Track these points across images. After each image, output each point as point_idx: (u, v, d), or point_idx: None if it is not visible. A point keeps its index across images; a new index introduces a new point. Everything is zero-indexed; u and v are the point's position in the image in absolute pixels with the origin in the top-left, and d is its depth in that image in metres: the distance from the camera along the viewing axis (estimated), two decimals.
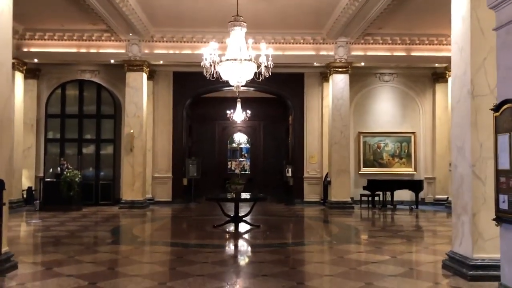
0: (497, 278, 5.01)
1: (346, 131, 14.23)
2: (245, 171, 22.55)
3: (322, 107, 15.64)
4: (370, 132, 15.84)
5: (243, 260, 7.38)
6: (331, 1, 11.44)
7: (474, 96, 5.68)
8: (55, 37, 13.88)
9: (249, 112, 17.71)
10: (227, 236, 9.52)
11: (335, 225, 11.23)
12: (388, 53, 14.24)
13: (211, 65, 8.75)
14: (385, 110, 15.97)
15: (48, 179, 13.96)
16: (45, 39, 13.91)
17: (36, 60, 14.34)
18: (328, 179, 14.54)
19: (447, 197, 14.64)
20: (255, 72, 8.88)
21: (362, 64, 14.59)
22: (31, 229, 10.51)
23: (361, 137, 15.79)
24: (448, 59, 13.25)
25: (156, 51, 14.23)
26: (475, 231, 5.59)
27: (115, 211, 13.17)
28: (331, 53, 14.25)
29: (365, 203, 14.65)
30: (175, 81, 15.78)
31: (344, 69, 14.25)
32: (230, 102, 17.92)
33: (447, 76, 14.79)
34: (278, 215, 12.93)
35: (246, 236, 9.55)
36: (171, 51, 14.21)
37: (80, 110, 14.94)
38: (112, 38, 13.91)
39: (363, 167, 15.73)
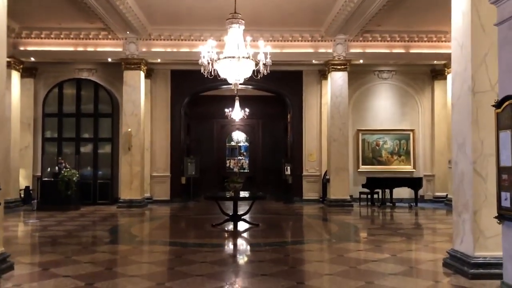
0: (499, 276, 4.97)
1: (344, 129, 14.18)
2: (244, 169, 22.49)
3: (321, 104, 15.58)
4: (369, 129, 15.78)
5: (242, 259, 7.33)
6: None
7: (475, 92, 5.62)
8: (52, 36, 13.79)
9: (247, 110, 17.63)
10: (226, 235, 9.46)
11: (334, 223, 11.18)
12: (387, 51, 14.19)
13: (209, 63, 8.70)
14: (384, 107, 15.93)
15: (46, 179, 13.89)
16: (42, 38, 13.82)
17: (33, 59, 14.24)
18: (327, 177, 14.49)
19: (446, 195, 14.61)
20: (253, 70, 8.82)
21: (361, 61, 14.54)
22: (28, 229, 10.45)
23: (360, 134, 15.74)
24: (447, 56, 13.27)
25: (153, 49, 14.14)
26: (476, 229, 5.54)
27: (113, 211, 13.11)
28: (330, 50, 14.19)
29: (364, 200, 14.61)
30: (173, 79, 15.69)
31: (342, 67, 14.20)
32: (229, 100, 17.86)
33: (446, 73, 14.73)
34: (277, 214, 12.88)
35: (245, 234, 9.51)
36: (168, 49, 14.13)
37: (77, 109, 14.86)
38: (109, 37, 13.82)
39: (362, 164, 15.68)
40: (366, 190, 14.46)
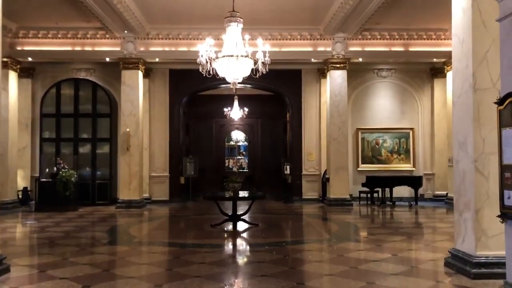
0: (502, 276, 4.90)
1: (344, 128, 14.11)
2: (243, 169, 22.41)
3: (320, 103, 15.51)
4: (368, 128, 15.71)
5: (241, 260, 7.26)
6: None
7: (476, 89, 5.56)
8: (49, 35, 13.71)
9: (246, 109, 17.56)
10: (225, 235, 9.39)
11: (334, 222, 11.11)
12: (386, 49, 14.11)
13: (207, 62, 8.63)
14: (383, 106, 15.85)
15: (44, 179, 13.77)
16: (39, 38, 13.74)
17: (30, 59, 14.15)
18: (327, 176, 14.43)
19: (447, 193, 14.55)
20: (252, 69, 8.75)
21: (360, 59, 14.46)
22: (26, 230, 10.38)
23: (359, 133, 15.66)
24: (446, 54, 13.26)
25: (151, 49, 14.07)
26: (478, 228, 5.48)
27: (112, 211, 13.03)
28: (329, 49, 14.11)
29: (364, 200, 14.53)
30: (172, 78, 15.61)
31: (341, 65, 14.12)
32: (227, 100, 17.78)
33: (445, 71, 14.67)
34: (277, 213, 12.82)
35: (244, 235, 9.44)
36: (167, 49, 14.05)
37: (75, 109, 14.77)
38: (107, 36, 13.74)
39: (362, 163, 15.61)
40: (366, 189, 14.39)
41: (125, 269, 6.29)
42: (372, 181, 14.35)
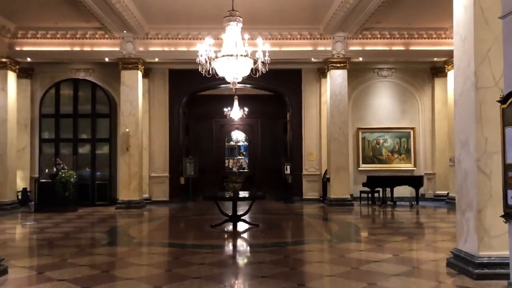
0: (505, 277, 4.85)
1: (344, 128, 14.05)
2: (243, 169, 22.36)
3: (320, 103, 15.45)
4: (369, 128, 15.65)
5: (241, 261, 7.20)
6: None
7: (478, 88, 5.50)
8: (48, 36, 13.65)
9: (246, 109, 17.52)
10: (225, 236, 9.33)
11: (335, 222, 11.05)
12: (386, 48, 14.05)
13: (206, 62, 8.59)
14: (384, 105, 15.80)
15: (43, 180, 13.72)
16: (38, 38, 13.67)
17: (29, 59, 14.09)
18: (327, 176, 14.37)
19: (447, 193, 14.48)
20: (252, 69, 8.71)
21: (360, 59, 14.40)
22: (25, 231, 10.31)
23: (360, 133, 15.61)
24: (447, 53, 13.23)
25: (151, 49, 14.01)
26: (481, 228, 5.42)
27: (111, 212, 12.97)
28: (329, 48, 14.06)
29: (364, 199, 14.47)
30: (171, 79, 15.55)
31: (342, 65, 14.06)
32: (227, 100, 17.74)
33: (446, 71, 14.61)
34: (277, 213, 12.76)
35: (244, 235, 9.38)
36: (166, 48, 14.00)
37: (74, 110, 14.72)
38: (106, 36, 13.69)
39: (362, 163, 15.56)
40: (366, 189, 14.33)
41: (124, 270, 6.23)
42: (373, 181, 14.29)
